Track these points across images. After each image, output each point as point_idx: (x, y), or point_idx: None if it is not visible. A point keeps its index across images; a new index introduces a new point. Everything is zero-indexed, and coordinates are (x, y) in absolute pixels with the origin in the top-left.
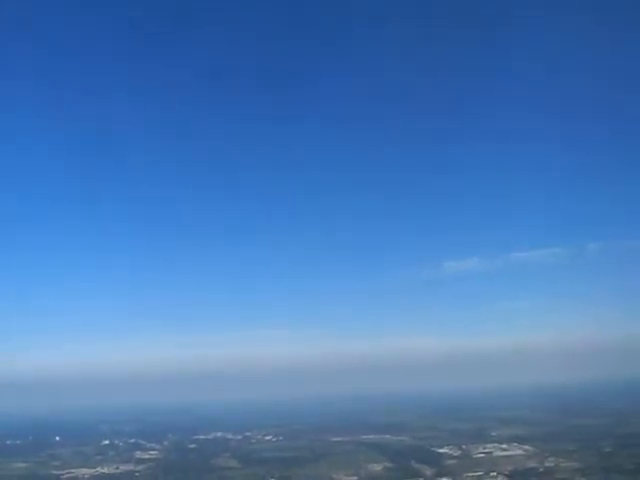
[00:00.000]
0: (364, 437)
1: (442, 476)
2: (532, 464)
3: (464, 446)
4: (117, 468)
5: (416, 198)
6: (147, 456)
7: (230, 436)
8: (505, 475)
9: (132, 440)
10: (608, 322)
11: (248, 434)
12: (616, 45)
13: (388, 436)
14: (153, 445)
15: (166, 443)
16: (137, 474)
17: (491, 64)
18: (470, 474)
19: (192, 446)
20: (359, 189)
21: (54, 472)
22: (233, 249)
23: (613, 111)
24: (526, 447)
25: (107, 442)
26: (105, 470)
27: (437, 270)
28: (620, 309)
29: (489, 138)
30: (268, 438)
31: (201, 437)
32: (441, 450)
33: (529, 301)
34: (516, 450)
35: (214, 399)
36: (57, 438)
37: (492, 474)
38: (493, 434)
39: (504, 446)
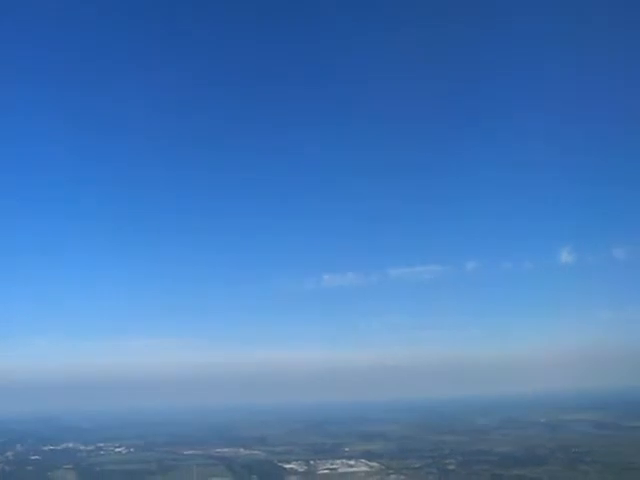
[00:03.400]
0: (218, 450)
1: None
2: None
3: (312, 462)
4: None
5: (296, 210)
6: None
7: (81, 447)
8: None
9: None
10: (481, 340)
11: (101, 445)
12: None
13: (242, 450)
14: None
15: (9, 454)
16: None
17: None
18: None
19: (35, 457)
20: (241, 199)
21: None
22: (104, 255)
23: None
24: (373, 464)
25: None
26: None
27: (317, 283)
28: (491, 328)
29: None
30: (119, 450)
31: (50, 448)
32: (288, 465)
33: (404, 317)
34: (362, 467)
35: (88, 408)
36: None
37: None
38: (346, 450)
39: (352, 462)
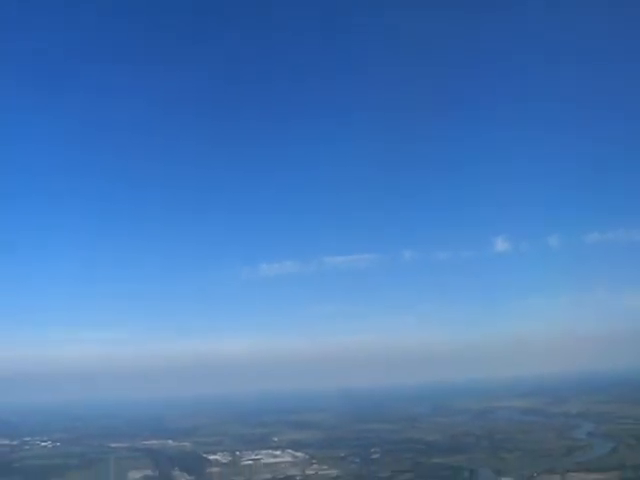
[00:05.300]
0: (145, 443)
1: None
2: (294, 471)
3: (238, 452)
4: None
5: (233, 200)
6: None
7: (6, 441)
8: None
9: None
10: (419, 328)
11: (27, 439)
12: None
13: (170, 441)
14: None
15: None
16: None
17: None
18: None
19: None
20: (171, 187)
21: None
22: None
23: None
24: (299, 454)
25: None
26: None
27: (254, 272)
28: (429, 316)
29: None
30: (45, 444)
31: None
32: (212, 457)
33: (340, 305)
34: (287, 457)
35: (18, 401)
36: None
37: None
38: (275, 439)
39: (277, 452)
